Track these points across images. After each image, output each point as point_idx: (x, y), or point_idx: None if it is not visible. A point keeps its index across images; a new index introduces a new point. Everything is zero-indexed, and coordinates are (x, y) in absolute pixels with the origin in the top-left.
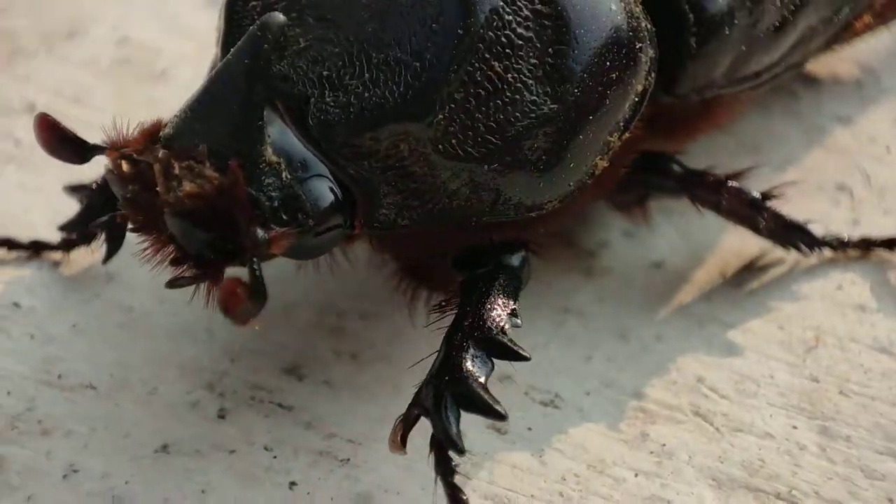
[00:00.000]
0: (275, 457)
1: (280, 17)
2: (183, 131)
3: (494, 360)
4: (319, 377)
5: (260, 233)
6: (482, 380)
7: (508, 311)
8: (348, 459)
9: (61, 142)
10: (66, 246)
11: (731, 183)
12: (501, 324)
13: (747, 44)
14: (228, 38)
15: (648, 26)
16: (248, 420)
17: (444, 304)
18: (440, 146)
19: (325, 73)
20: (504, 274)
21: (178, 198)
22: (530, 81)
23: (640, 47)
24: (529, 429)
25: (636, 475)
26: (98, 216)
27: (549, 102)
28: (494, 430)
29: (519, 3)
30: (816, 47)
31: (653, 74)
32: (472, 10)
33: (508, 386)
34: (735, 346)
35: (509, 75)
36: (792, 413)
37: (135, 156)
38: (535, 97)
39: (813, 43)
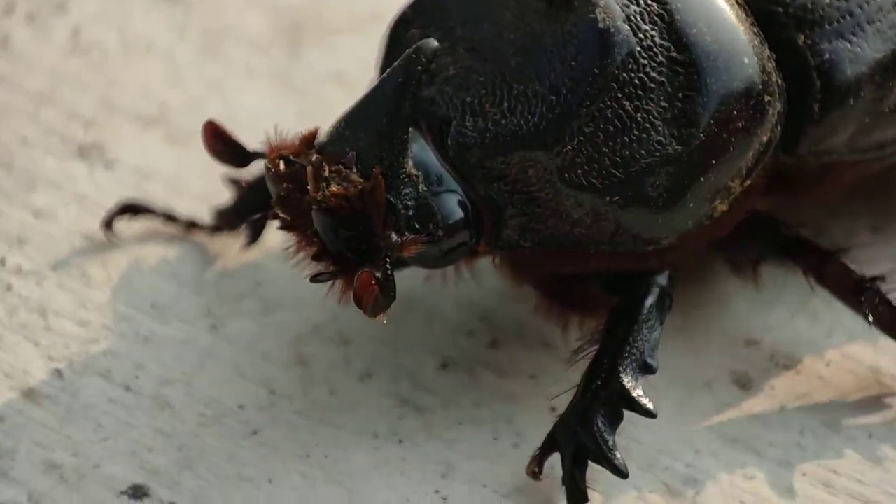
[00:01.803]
0: (538, 384)
1: (434, 43)
2: (335, 139)
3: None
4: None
5: (394, 236)
6: (608, 437)
7: (643, 360)
8: None
9: (225, 147)
10: (213, 230)
11: (836, 257)
12: (634, 376)
13: (871, 116)
14: (386, 61)
15: (779, 81)
16: (517, 351)
17: (589, 337)
18: (566, 175)
19: (468, 99)
20: (650, 301)
21: (325, 196)
22: (658, 122)
23: (769, 100)
24: (772, 388)
25: (870, 436)
26: (250, 212)
27: (674, 143)
28: (739, 386)
29: (655, 50)
30: None
31: (779, 127)
32: (610, 51)
33: (755, 350)
34: None
35: (639, 115)
36: None
37: (291, 157)
38: (661, 137)
39: None
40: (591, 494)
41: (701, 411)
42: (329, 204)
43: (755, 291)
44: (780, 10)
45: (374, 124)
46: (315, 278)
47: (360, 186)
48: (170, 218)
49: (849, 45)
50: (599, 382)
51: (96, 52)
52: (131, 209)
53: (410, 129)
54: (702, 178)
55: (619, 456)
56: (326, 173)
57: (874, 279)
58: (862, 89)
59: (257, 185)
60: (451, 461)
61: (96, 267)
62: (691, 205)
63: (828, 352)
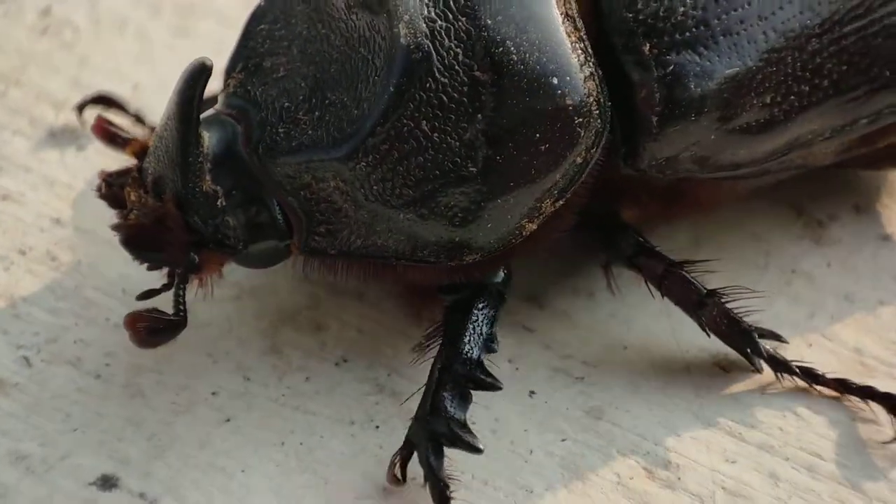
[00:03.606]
0: (517, 368)
1: (207, 62)
2: (145, 164)
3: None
4: (559, 307)
5: (191, 255)
6: (461, 418)
7: (483, 341)
8: (582, 378)
9: (112, 139)
10: None
11: (677, 270)
12: (476, 356)
13: (719, 134)
14: (236, 53)
15: (602, 100)
16: None
17: (430, 334)
18: (363, 189)
19: (286, 104)
20: (483, 298)
21: (124, 225)
22: (455, 143)
23: (581, 122)
24: (753, 370)
25: (852, 419)
26: None
27: (469, 165)
28: (720, 369)
29: (458, 68)
30: (828, 153)
31: (596, 149)
32: (408, 70)
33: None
34: None
35: (435, 135)
36: None
37: (111, 180)
38: (457, 158)
39: (817, 147)
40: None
41: (682, 395)
42: (128, 232)
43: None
44: (631, 15)
45: (166, 148)
46: (141, 295)
47: (156, 213)
48: (139, 120)
49: (697, 59)
50: (443, 369)
51: (67, 31)
52: (105, 101)
53: (225, 134)
54: (501, 200)
55: (472, 434)
56: (130, 200)
57: (713, 292)
58: (707, 106)
59: None
60: None
61: (65, 252)
62: (491, 225)
63: (810, 334)
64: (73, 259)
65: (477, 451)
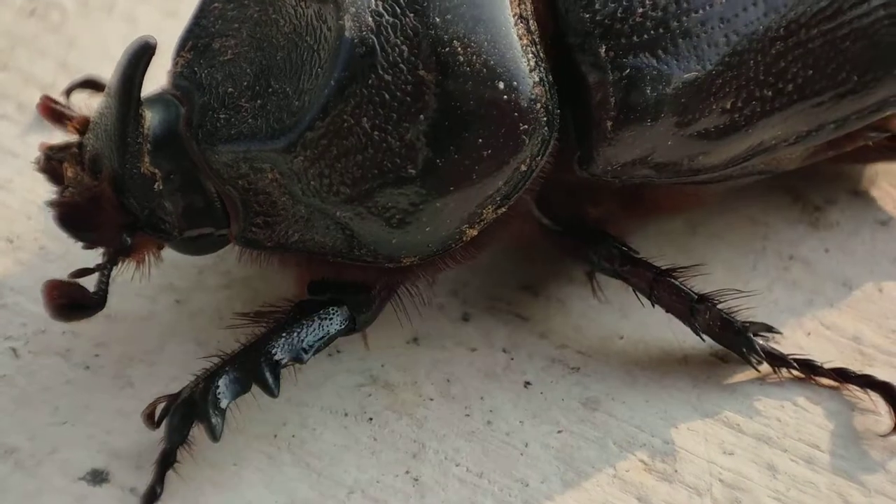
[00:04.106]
0: (512, 359)
1: (151, 41)
2: (87, 139)
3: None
4: (554, 295)
5: (124, 237)
6: (221, 400)
7: (297, 348)
8: (578, 368)
9: (57, 117)
10: None
11: (664, 277)
12: (279, 358)
13: (676, 139)
14: (189, 31)
15: (551, 107)
16: (489, 325)
17: (263, 312)
18: (300, 184)
19: (229, 90)
20: (331, 312)
21: (58, 202)
22: (395, 143)
23: (527, 128)
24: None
25: (851, 409)
26: None
27: (409, 166)
28: (717, 359)
29: (402, 66)
30: (793, 158)
31: (542, 157)
32: (350, 64)
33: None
34: None
35: (375, 133)
36: None
37: (50, 153)
38: (397, 159)
39: (782, 153)
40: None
41: (678, 386)
42: (61, 209)
43: (739, 255)
44: (588, 16)
45: (107, 127)
46: (74, 273)
47: (92, 190)
48: None
49: (655, 62)
50: (247, 351)
51: (55, 13)
52: (93, 84)
53: (167, 115)
54: (441, 203)
55: (218, 422)
56: (67, 176)
57: (703, 297)
58: (664, 110)
59: None
60: (422, 440)
61: (53, 240)
62: (430, 228)
63: (807, 321)
64: (62, 248)
65: (213, 438)
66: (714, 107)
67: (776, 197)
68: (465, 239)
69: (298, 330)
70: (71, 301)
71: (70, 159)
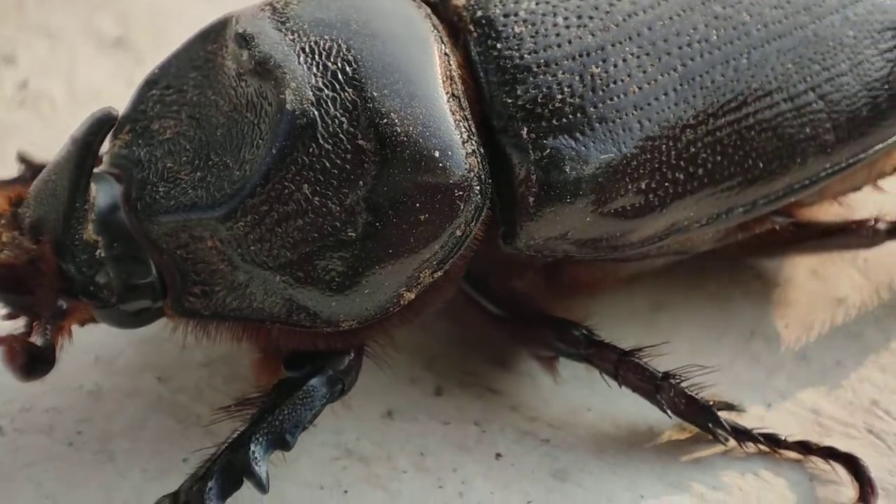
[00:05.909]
0: (483, 431)
1: (113, 112)
2: (29, 201)
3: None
4: (524, 369)
5: (60, 302)
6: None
7: (281, 436)
8: (548, 440)
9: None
10: None
11: (628, 358)
12: (264, 449)
13: (594, 216)
14: (126, 116)
15: (483, 176)
16: (461, 398)
17: (247, 401)
18: (239, 250)
19: (169, 164)
20: (315, 382)
21: None
22: (335, 208)
23: (461, 195)
24: None
25: (811, 480)
26: None
27: (349, 230)
28: (681, 430)
29: (342, 136)
30: (706, 239)
31: (475, 223)
32: (292, 135)
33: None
34: None
35: (316, 199)
36: None
37: None
38: (336, 223)
39: (695, 234)
40: None
41: (644, 457)
42: None
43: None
44: (511, 101)
45: (53, 192)
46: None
47: (30, 254)
48: None
49: (573, 143)
50: (232, 446)
51: (45, 103)
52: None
53: (109, 189)
54: (380, 267)
55: None
56: (3, 238)
57: (667, 375)
58: (582, 189)
59: None
60: None
61: None
62: (368, 291)
63: (769, 394)
64: None
65: None
66: (630, 187)
67: (738, 274)
68: (402, 302)
69: (282, 416)
70: (30, 357)
71: (4, 225)
